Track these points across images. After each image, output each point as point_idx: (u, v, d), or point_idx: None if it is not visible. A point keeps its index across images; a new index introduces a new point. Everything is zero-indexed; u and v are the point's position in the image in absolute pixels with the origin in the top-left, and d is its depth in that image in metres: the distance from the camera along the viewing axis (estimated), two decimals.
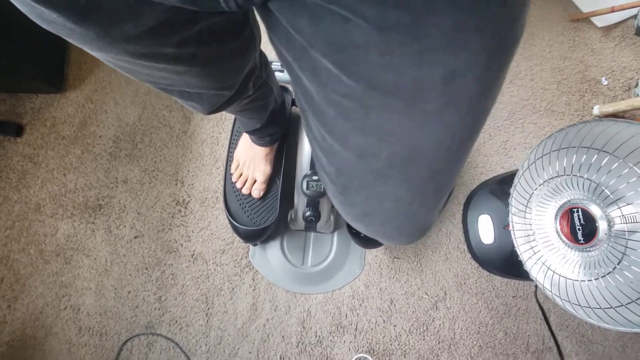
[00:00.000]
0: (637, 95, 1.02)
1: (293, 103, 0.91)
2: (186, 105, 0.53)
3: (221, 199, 0.97)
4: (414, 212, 0.40)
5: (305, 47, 0.29)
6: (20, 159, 0.97)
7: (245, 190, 0.87)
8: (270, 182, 0.89)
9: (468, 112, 0.29)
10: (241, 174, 0.88)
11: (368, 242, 0.89)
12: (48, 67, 0.94)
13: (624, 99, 1.02)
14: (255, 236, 0.87)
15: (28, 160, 0.97)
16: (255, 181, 0.87)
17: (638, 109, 0.97)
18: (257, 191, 0.87)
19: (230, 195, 0.89)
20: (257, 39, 0.50)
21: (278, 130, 0.84)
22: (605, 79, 1.06)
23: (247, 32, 0.45)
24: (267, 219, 0.87)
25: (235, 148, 0.91)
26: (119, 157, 0.98)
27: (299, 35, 0.29)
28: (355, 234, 0.89)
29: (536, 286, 0.99)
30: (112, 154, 0.98)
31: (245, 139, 0.87)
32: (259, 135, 0.81)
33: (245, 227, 0.86)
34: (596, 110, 1.02)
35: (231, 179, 0.89)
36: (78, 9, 0.28)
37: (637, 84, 1.05)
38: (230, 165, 0.90)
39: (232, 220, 0.86)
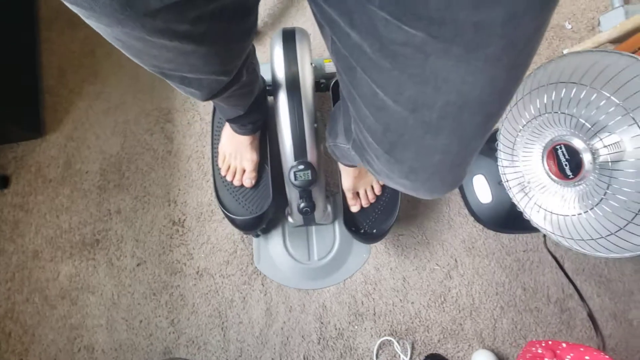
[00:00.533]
0: (601, 31, 1.04)
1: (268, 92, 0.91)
2: (185, 93, 0.54)
3: (216, 205, 0.97)
4: (460, 161, 0.40)
5: (359, 0, 0.29)
6: (11, 209, 0.96)
7: (236, 182, 0.88)
8: (259, 168, 0.89)
9: (522, 50, 0.29)
10: (229, 167, 0.88)
11: (370, 238, 0.89)
12: (24, 114, 0.95)
13: (590, 39, 1.04)
14: (254, 225, 0.87)
15: (18, 209, 0.96)
16: (244, 171, 0.87)
17: (602, 44, 0.99)
18: (248, 180, 0.87)
19: (222, 189, 0.89)
20: (257, 22, 0.51)
21: (260, 118, 0.84)
22: (569, 23, 1.08)
23: (254, 15, 0.46)
24: (262, 205, 0.87)
25: (218, 142, 0.91)
26: (108, 189, 0.98)
27: None
28: (355, 231, 0.88)
29: (545, 236, 0.99)
30: (101, 187, 0.98)
31: (227, 131, 0.87)
32: (241, 123, 0.81)
33: (243, 218, 0.86)
34: (566, 53, 1.03)
35: (220, 173, 0.89)
36: None
37: (599, 23, 1.07)
38: (217, 160, 0.90)
39: (227, 213, 0.86)
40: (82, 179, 0.98)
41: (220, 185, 0.89)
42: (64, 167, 0.98)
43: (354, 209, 0.89)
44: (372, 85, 0.35)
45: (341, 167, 0.88)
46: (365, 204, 0.89)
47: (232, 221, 0.88)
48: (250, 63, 0.64)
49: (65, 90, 1.01)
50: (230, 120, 0.81)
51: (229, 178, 0.88)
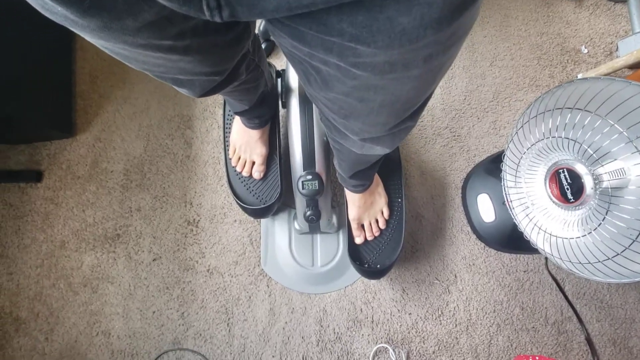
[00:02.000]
0: (619, 57, 1.03)
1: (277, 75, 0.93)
2: (179, 90, 0.56)
3: (228, 208, 1.02)
4: (401, 128, 0.50)
5: (315, 54, 0.35)
6: (43, 202, 1.05)
7: (245, 173, 0.92)
8: (269, 160, 0.93)
9: (440, 69, 0.38)
10: (239, 158, 0.92)
11: (373, 273, 0.92)
12: (57, 115, 1.03)
13: (605, 64, 1.04)
14: (264, 213, 0.93)
15: (49, 202, 1.05)
16: (253, 163, 0.92)
17: (618, 70, 0.98)
18: (257, 173, 0.92)
19: (234, 179, 0.94)
20: (252, 27, 0.53)
21: (266, 112, 0.87)
22: (585, 47, 1.07)
23: (243, 24, 0.48)
24: (272, 195, 0.92)
25: (229, 132, 0.95)
26: (130, 188, 1.05)
27: (306, 48, 0.34)
28: (360, 265, 0.91)
29: (546, 258, 1.00)
30: (124, 186, 1.05)
31: (237, 124, 0.91)
32: (248, 117, 0.85)
33: (254, 207, 0.91)
34: (580, 78, 1.03)
35: (231, 163, 0.94)
36: (82, 6, 0.30)
37: (617, 48, 1.06)
38: (228, 150, 0.94)
39: (240, 202, 0.91)
40: (107, 178, 1.05)
41: (232, 175, 0.94)
42: (92, 165, 1.06)
43: (358, 240, 0.92)
44: (327, 91, 0.41)
45: (347, 196, 0.91)
46: (369, 237, 0.92)
47: (244, 210, 0.93)
48: (252, 61, 0.64)
49: (96, 95, 1.09)
50: (237, 113, 0.85)
51: (238, 169, 0.93)
